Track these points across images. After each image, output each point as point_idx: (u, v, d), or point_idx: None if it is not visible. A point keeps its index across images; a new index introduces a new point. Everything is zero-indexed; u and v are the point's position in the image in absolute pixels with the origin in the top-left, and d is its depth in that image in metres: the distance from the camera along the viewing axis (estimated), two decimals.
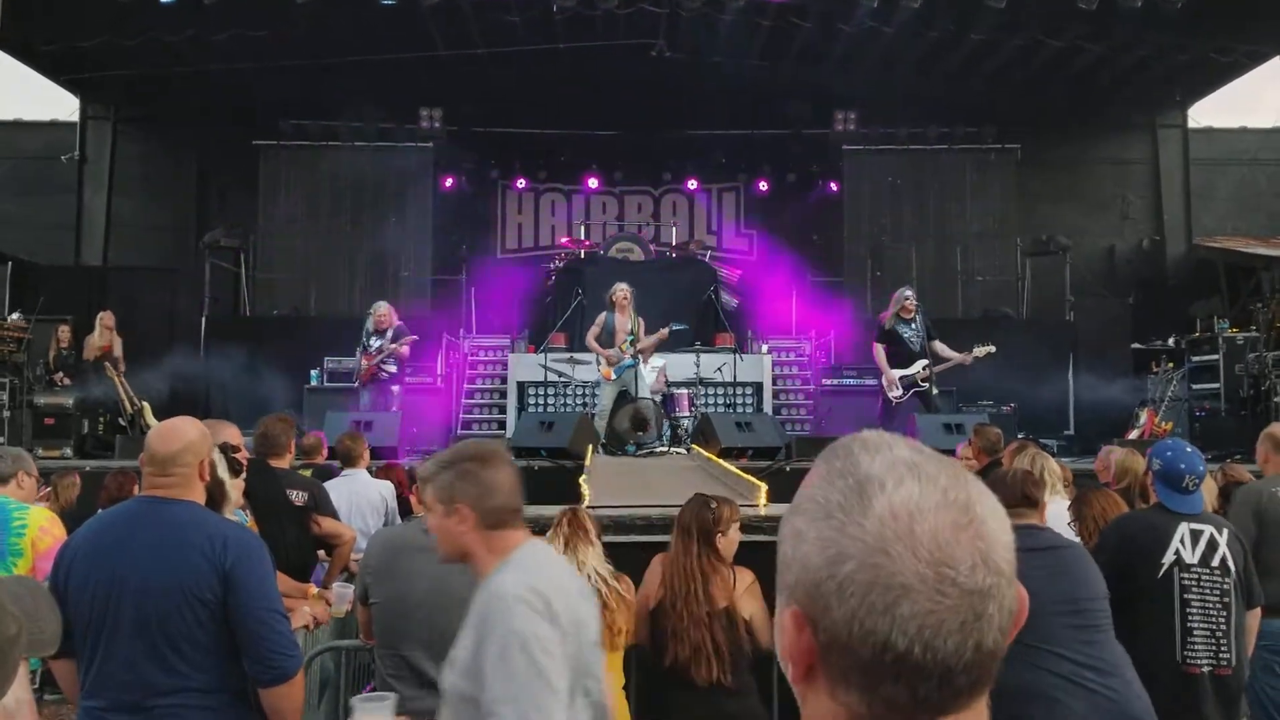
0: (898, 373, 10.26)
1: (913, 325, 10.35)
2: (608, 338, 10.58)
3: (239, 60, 14.07)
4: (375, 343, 10.98)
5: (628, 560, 3.92)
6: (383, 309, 11.16)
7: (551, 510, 4.37)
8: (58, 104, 16.97)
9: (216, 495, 3.06)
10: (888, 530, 0.84)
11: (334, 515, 5.27)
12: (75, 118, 16.91)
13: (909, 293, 10.55)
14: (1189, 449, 3.96)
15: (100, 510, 6.39)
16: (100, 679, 2.76)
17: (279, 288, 16.13)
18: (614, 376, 10.50)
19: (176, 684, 2.73)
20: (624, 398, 10.36)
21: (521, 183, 17.54)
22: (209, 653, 2.76)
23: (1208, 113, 17.80)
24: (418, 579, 3.31)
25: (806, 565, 0.88)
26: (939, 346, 10.38)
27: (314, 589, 4.85)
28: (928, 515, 0.85)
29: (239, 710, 2.83)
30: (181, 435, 2.96)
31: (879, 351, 10.42)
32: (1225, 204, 17.75)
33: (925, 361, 10.25)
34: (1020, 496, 3.56)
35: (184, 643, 2.73)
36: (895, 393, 10.27)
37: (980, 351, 10.25)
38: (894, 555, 0.83)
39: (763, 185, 17.50)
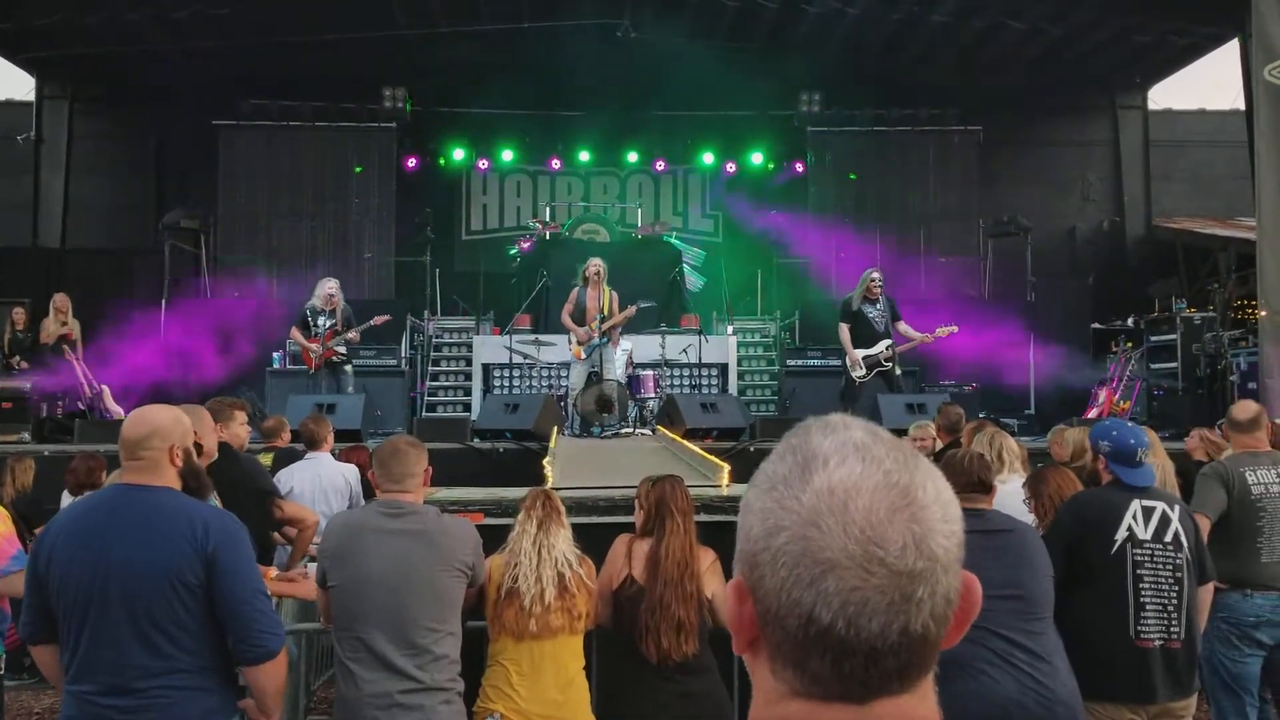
0: (861, 352, 10.31)
1: (877, 306, 10.41)
2: (580, 314, 10.56)
3: (198, 39, 13.89)
4: (325, 322, 10.63)
5: (588, 541, 3.93)
6: (332, 284, 10.79)
7: (515, 492, 4.38)
8: (13, 83, 16.70)
9: (193, 484, 3.07)
10: (822, 504, 0.85)
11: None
12: (31, 97, 16.61)
13: (875, 274, 10.61)
14: (1129, 424, 4.07)
15: (67, 493, 6.37)
16: (86, 664, 2.80)
17: (240, 270, 15.96)
18: (584, 356, 10.51)
19: (163, 666, 2.78)
20: (593, 378, 10.37)
21: (486, 164, 17.44)
22: (194, 635, 2.81)
23: (1168, 94, 18.03)
24: (375, 561, 3.32)
25: (748, 535, 0.90)
26: (902, 327, 10.45)
27: (274, 571, 4.83)
28: (864, 494, 0.85)
29: (225, 690, 2.91)
30: (150, 420, 2.99)
31: (844, 331, 10.45)
32: (1184, 185, 17.97)
33: (889, 341, 10.32)
34: (975, 481, 3.59)
35: (170, 625, 2.78)
36: (859, 372, 10.33)
37: (943, 331, 10.34)
38: (824, 529, 0.84)
39: (728, 166, 17.50)
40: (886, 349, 10.29)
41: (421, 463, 3.58)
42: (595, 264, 10.69)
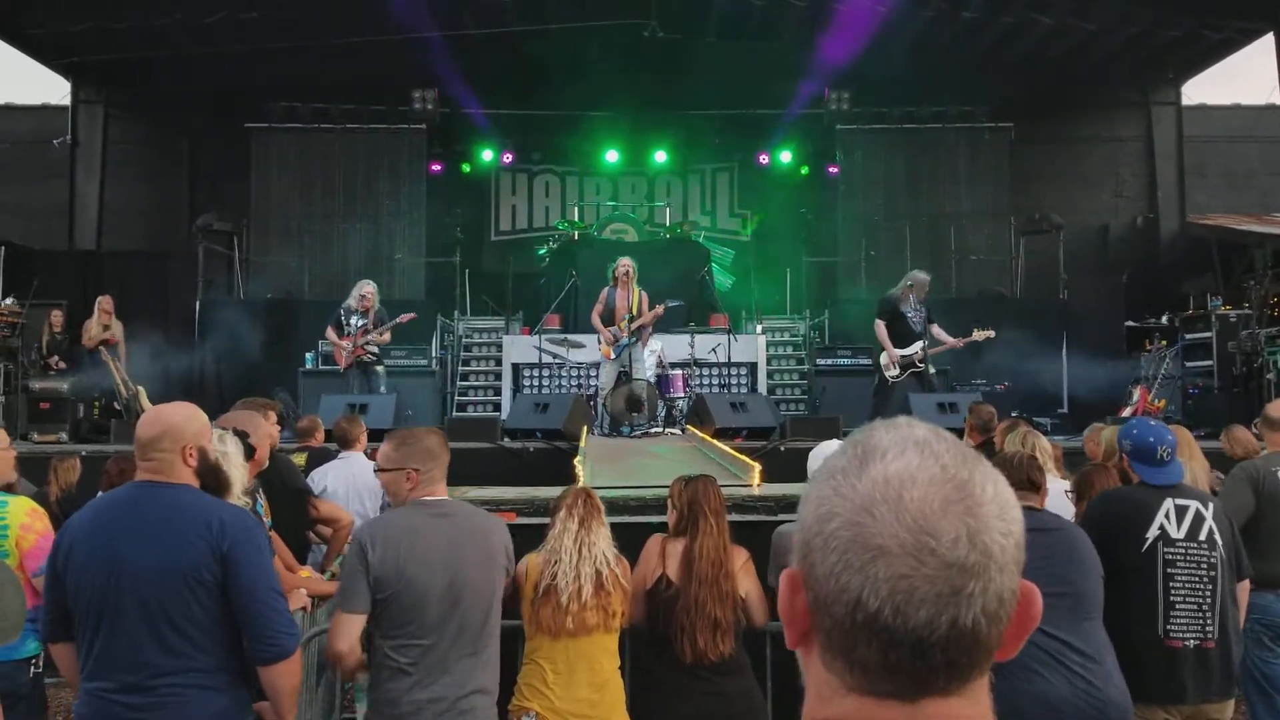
0: (898, 352, 10.29)
1: (916, 307, 10.39)
2: (609, 314, 10.58)
3: (230, 43, 14.02)
4: (358, 322, 10.73)
5: (620, 541, 3.93)
6: (369, 288, 10.90)
7: (546, 491, 4.40)
8: (49, 88, 16.91)
9: (211, 483, 3.05)
10: (876, 493, 0.86)
11: None
12: (67, 101, 16.81)
13: (924, 277, 10.55)
14: (1153, 423, 4.05)
15: (100, 493, 6.44)
16: (102, 661, 2.79)
17: (273, 271, 16.12)
18: (613, 356, 10.52)
19: (178, 664, 2.77)
20: (623, 377, 10.39)
21: (515, 164, 17.50)
22: (209, 633, 2.80)
23: (1201, 90, 17.82)
24: (435, 568, 3.18)
25: (804, 524, 0.90)
26: (936, 330, 10.41)
27: (308, 570, 4.88)
28: (920, 485, 0.86)
29: (239, 689, 2.88)
30: (162, 420, 2.98)
31: (881, 328, 10.41)
32: (1218, 181, 17.77)
33: (924, 343, 10.29)
34: (1026, 480, 3.62)
35: (185, 623, 2.77)
36: (893, 372, 10.30)
37: (980, 335, 10.28)
38: (877, 516, 0.85)
39: (756, 165, 17.47)
40: (921, 350, 10.26)
41: (446, 453, 3.45)
42: (625, 263, 10.70)
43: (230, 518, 2.88)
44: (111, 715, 2.78)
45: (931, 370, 10.43)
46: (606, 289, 10.75)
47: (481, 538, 3.35)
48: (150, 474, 2.92)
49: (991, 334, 10.37)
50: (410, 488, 3.33)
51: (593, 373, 11.59)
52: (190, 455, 2.95)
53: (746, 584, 3.86)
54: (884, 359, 10.41)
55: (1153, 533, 3.76)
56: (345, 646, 3.08)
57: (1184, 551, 3.74)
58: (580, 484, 5.17)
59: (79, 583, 2.82)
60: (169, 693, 2.76)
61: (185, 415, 3.01)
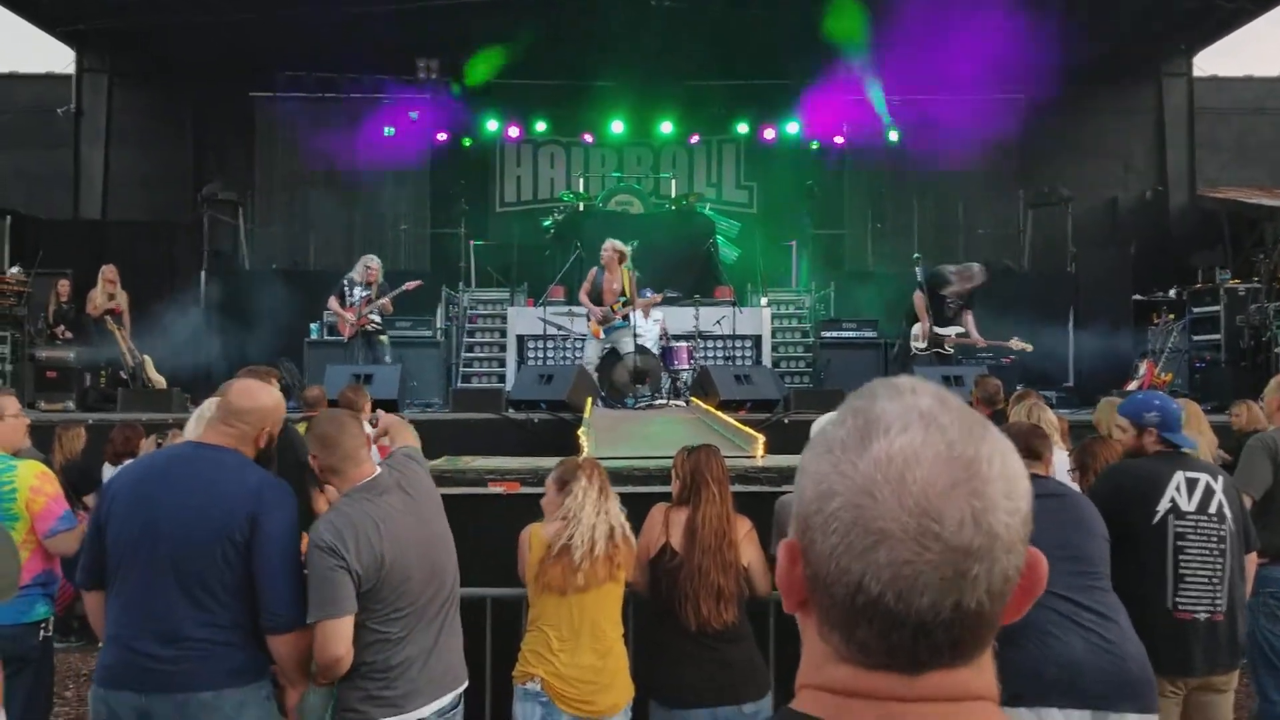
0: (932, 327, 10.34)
1: (959, 295, 10.42)
2: (597, 294, 10.49)
3: (234, 11, 13.92)
4: (360, 293, 10.78)
5: (625, 511, 3.94)
6: (374, 262, 10.96)
7: (550, 462, 4.39)
8: (53, 56, 16.82)
9: (262, 464, 3.18)
10: (878, 473, 0.82)
11: None
12: (71, 70, 16.75)
13: (983, 275, 10.56)
14: (1159, 393, 4.09)
15: (105, 462, 6.47)
16: (130, 612, 2.89)
17: (278, 241, 16.10)
18: (602, 335, 10.46)
19: (203, 619, 2.87)
20: (611, 355, 10.33)
21: (519, 135, 17.42)
22: (234, 592, 2.89)
23: (1213, 61, 17.65)
24: (409, 549, 3.12)
25: (802, 497, 0.87)
26: (968, 319, 10.40)
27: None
28: (924, 465, 0.81)
29: (258, 648, 2.96)
30: (256, 397, 3.16)
31: (919, 300, 10.43)
32: (1229, 154, 17.63)
33: (959, 329, 10.32)
34: (1025, 449, 3.59)
35: (213, 580, 2.87)
36: (919, 344, 10.33)
37: (1017, 345, 10.27)
38: (879, 499, 0.81)
39: (763, 136, 17.34)
40: (955, 336, 10.31)
41: (349, 438, 3.22)
42: (610, 248, 10.50)
43: (269, 484, 3.02)
44: (135, 665, 2.86)
45: (955, 354, 10.47)
46: (595, 270, 10.58)
47: (429, 496, 3.32)
48: (218, 437, 3.08)
49: (1029, 348, 10.34)
50: (316, 470, 3.24)
51: (584, 345, 11.56)
52: (263, 438, 3.15)
53: (749, 553, 3.87)
54: (916, 329, 10.43)
55: (1163, 505, 3.76)
56: (344, 649, 2.94)
57: (1194, 524, 3.74)
58: (583, 455, 5.17)
59: (118, 534, 2.92)
60: (191, 646, 2.86)
61: (275, 402, 3.23)
